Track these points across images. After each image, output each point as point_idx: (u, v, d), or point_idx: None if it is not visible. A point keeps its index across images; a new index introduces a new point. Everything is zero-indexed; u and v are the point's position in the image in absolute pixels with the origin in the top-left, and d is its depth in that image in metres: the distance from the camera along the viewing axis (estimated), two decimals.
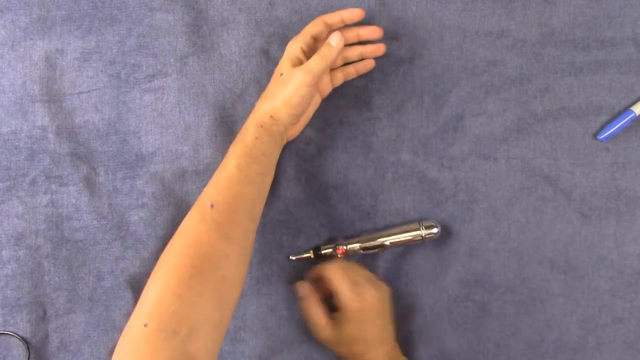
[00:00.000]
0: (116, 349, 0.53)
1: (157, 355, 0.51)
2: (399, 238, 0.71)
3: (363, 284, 0.68)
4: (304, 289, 0.70)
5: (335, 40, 0.64)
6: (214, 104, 0.72)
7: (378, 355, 0.67)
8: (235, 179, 0.62)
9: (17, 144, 0.72)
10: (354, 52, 0.71)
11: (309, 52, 0.67)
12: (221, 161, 0.71)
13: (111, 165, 0.72)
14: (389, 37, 0.73)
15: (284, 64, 0.66)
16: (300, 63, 0.65)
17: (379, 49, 0.71)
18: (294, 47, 0.66)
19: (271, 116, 0.65)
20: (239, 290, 0.60)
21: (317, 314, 0.68)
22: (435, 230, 0.71)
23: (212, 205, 0.59)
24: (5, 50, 0.72)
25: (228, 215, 0.60)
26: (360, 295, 0.67)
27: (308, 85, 0.64)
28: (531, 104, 0.73)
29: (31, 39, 0.72)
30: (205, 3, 0.72)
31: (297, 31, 0.72)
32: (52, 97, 0.72)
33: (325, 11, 0.72)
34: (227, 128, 0.72)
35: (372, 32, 0.70)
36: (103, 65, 0.72)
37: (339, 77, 0.71)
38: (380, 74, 0.73)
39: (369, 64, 0.72)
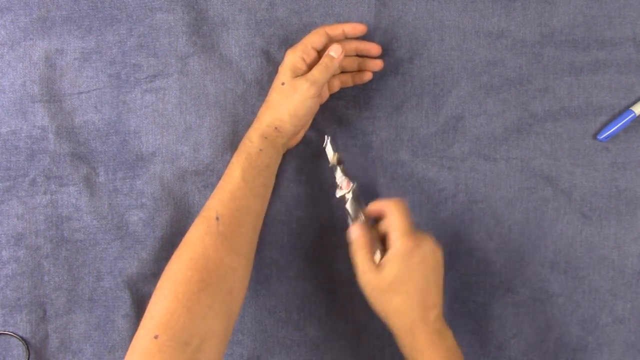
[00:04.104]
0: None
1: None
2: None
3: (423, 232, 0.62)
4: (356, 230, 0.63)
5: (337, 52, 0.65)
6: (215, 104, 0.72)
7: (425, 324, 0.60)
8: (240, 192, 0.62)
9: (17, 144, 0.72)
10: (352, 63, 0.71)
11: (309, 61, 0.67)
12: (220, 161, 0.72)
13: (111, 165, 0.72)
14: (389, 37, 0.73)
15: (285, 74, 0.66)
16: (301, 73, 0.66)
17: (376, 64, 0.71)
18: (295, 56, 0.66)
19: (276, 128, 0.65)
20: (242, 301, 0.61)
21: (362, 253, 0.61)
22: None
23: (217, 218, 0.60)
24: (5, 50, 0.72)
25: (234, 228, 0.60)
26: (416, 237, 0.61)
27: (314, 97, 0.65)
28: (531, 104, 0.73)
29: (31, 39, 0.72)
30: (205, 3, 0.72)
31: (297, 32, 0.72)
32: (52, 97, 0.72)
33: (325, 12, 0.72)
34: (228, 128, 0.72)
35: (370, 48, 0.70)
36: (103, 65, 0.72)
37: (336, 85, 0.71)
38: (379, 73, 0.72)
39: (366, 76, 0.71)
